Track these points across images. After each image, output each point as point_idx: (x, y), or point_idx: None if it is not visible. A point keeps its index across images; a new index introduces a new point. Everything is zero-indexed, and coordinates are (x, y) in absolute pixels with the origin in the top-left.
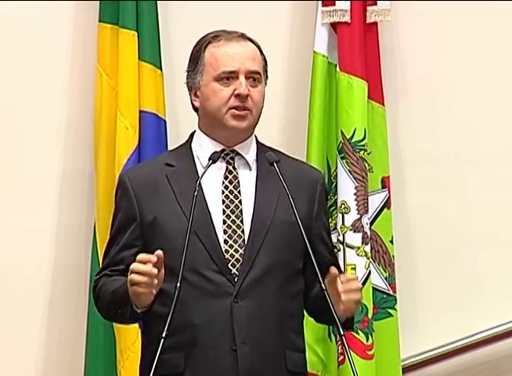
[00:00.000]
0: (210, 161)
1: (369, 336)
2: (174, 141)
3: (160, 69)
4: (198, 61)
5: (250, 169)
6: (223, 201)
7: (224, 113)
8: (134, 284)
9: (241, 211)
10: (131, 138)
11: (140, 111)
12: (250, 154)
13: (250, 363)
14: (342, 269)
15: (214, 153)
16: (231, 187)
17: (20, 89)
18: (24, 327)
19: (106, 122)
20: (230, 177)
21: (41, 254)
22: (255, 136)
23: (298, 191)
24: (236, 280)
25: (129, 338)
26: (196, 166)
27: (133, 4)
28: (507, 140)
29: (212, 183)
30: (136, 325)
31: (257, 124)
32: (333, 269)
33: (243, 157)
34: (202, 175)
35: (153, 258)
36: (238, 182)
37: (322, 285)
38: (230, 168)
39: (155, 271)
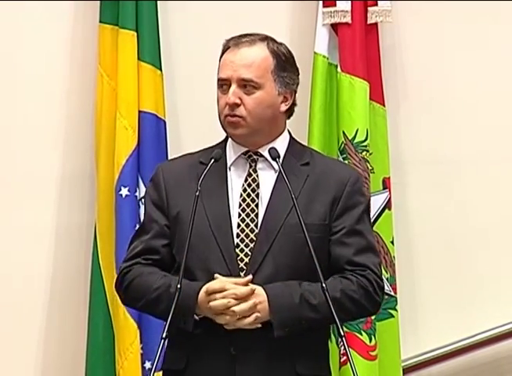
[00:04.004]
0: (212, 160)
1: (373, 337)
2: (174, 141)
3: (160, 69)
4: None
5: (276, 171)
6: (240, 204)
7: (223, 120)
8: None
9: (256, 214)
10: (131, 138)
11: (139, 111)
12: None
13: (247, 369)
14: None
15: (218, 150)
16: (249, 190)
17: (21, 90)
18: (24, 327)
19: (106, 123)
20: (249, 180)
21: (41, 254)
22: (290, 136)
23: (320, 192)
24: None
25: (128, 338)
26: (226, 165)
27: (133, 4)
28: (508, 141)
29: (235, 185)
30: (135, 326)
31: (270, 128)
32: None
33: (266, 160)
34: (203, 176)
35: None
36: (257, 184)
37: (323, 284)
38: (251, 170)
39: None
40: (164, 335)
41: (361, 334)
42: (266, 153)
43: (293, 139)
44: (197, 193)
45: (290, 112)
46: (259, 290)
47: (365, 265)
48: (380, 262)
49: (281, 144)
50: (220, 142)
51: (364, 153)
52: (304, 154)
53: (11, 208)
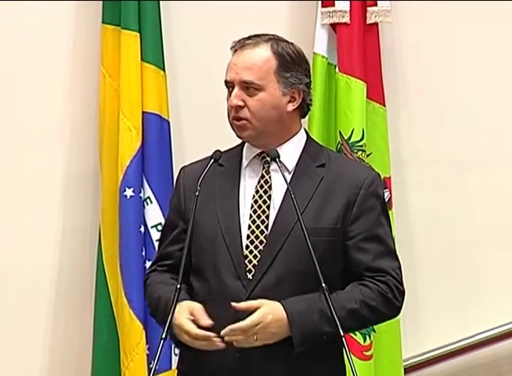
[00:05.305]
0: (212, 160)
1: (368, 337)
2: (177, 142)
3: (163, 70)
4: None
5: (289, 173)
6: (251, 206)
7: (231, 122)
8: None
9: (267, 216)
10: (134, 139)
11: (143, 112)
12: (290, 157)
13: (252, 372)
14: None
15: (217, 151)
16: (261, 192)
17: (24, 91)
18: (29, 328)
19: (109, 123)
20: (262, 181)
21: (46, 255)
22: (307, 137)
23: (335, 194)
24: (249, 286)
25: (134, 339)
26: (241, 166)
27: (135, 5)
28: (508, 141)
29: (248, 187)
30: (141, 327)
31: (278, 129)
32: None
33: (280, 161)
34: (203, 176)
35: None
36: (269, 186)
37: (323, 285)
38: (264, 172)
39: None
40: (163, 336)
41: (355, 334)
42: (279, 154)
43: (311, 139)
44: (197, 194)
45: (302, 111)
46: (277, 309)
47: (384, 270)
48: (399, 266)
49: (296, 145)
50: (240, 143)
51: (360, 153)
52: (321, 155)
53: (15, 209)
